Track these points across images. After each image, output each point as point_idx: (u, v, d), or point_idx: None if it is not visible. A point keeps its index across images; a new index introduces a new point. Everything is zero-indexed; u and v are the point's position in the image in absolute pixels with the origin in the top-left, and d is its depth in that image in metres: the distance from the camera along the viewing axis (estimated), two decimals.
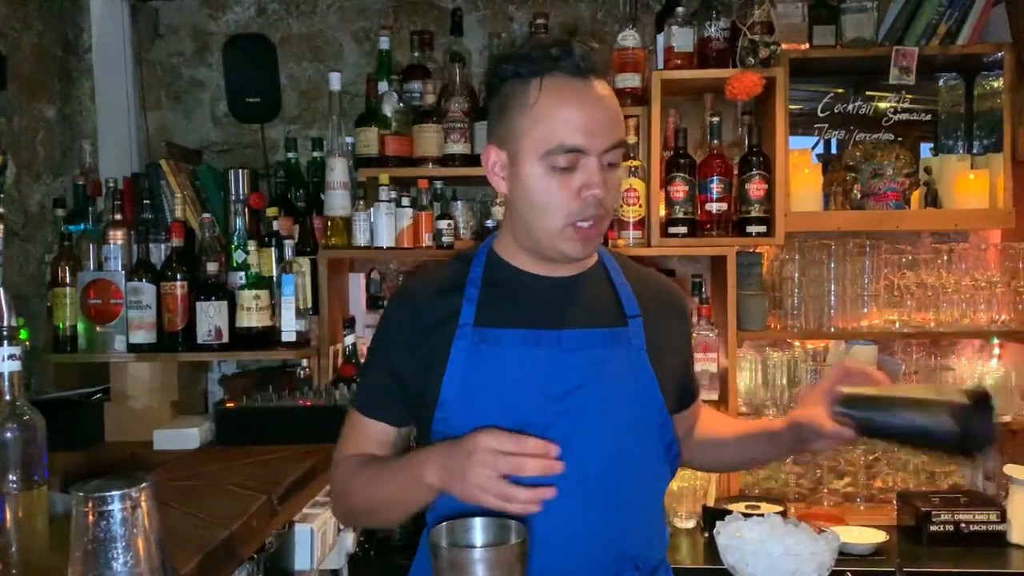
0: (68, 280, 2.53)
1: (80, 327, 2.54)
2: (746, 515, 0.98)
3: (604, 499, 1.25)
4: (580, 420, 1.25)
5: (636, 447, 1.29)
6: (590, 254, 1.32)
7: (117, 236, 2.57)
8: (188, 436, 2.36)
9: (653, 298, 1.38)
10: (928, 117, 2.84)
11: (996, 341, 2.79)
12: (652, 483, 1.33)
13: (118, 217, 2.59)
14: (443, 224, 2.63)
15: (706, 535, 2.52)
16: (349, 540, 2.16)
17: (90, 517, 0.89)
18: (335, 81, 2.63)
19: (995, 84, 2.68)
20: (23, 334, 1.64)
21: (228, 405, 2.29)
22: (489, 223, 2.66)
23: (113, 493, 0.90)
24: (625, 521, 1.26)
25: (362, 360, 2.67)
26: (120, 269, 2.54)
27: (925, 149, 2.85)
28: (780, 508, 2.58)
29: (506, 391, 1.26)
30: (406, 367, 1.31)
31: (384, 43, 2.75)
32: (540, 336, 1.28)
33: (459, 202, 2.76)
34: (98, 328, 2.54)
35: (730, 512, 1.13)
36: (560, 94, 1.23)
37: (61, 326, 2.53)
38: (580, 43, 1.25)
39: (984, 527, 2.44)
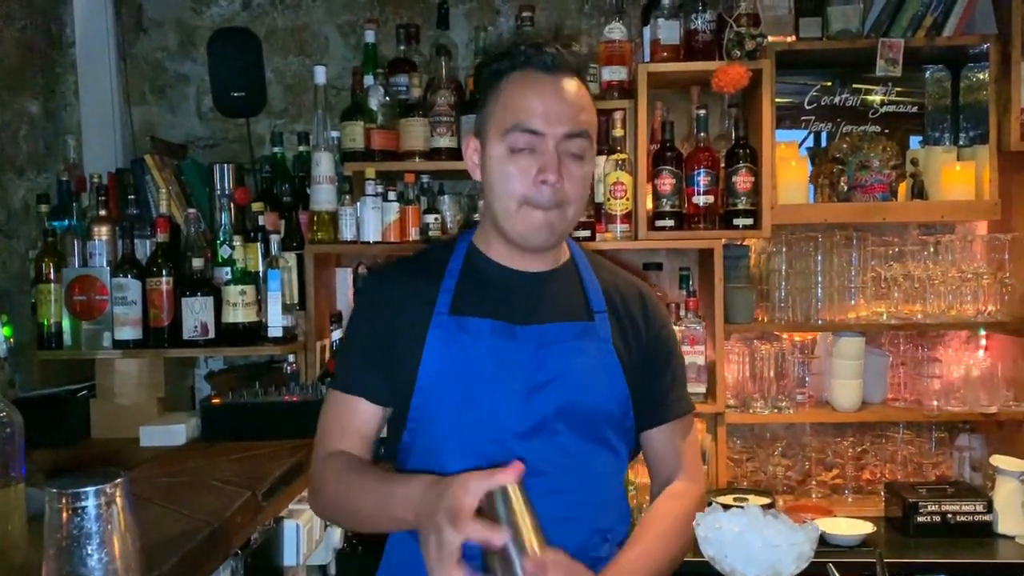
0: (52, 276, 2.50)
1: (65, 324, 2.52)
2: (726, 506, 0.98)
3: (576, 481, 1.32)
4: (553, 410, 1.31)
5: (603, 433, 1.35)
6: (551, 242, 1.36)
7: (102, 232, 2.54)
8: (174, 432, 2.35)
9: (622, 297, 1.42)
10: (915, 109, 2.84)
11: (983, 332, 2.80)
12: (615, 464, 1.40)
13: (103, 213, 2.57)
14: (430, 218, 2.62)
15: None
16: (336, 536, 2.16)
17: (64, 513, 0.89)
18: (320, 75, 2.62)
19: (981, 76, 2.68)
20: (7, 331, 1.63)
21: (214, 401, 2.28)
22: (477, 217, 2.65)
23: (87, 489, 0.89)
24: (595, 499, 1.34)
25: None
26: (105, 265, 2.52)
27: (913, 141, 2.85)
28: (768, 500, 2.59)
29: (483, 381, 1.30)
30: (384, 344, 1.34)
31: (370, 37, 2.73)
32: (515, 330, 1.33)
33: (446, 196, 2.75)
34: (83, 324, 2.51)
35: (719, 504, 1.17)
36: (525, 83, 1.32)
37: (46, 323, 2.51)
38: (555, 45, 1.34)
39: (971, 518, 2.45)
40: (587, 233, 2.57)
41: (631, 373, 1.37)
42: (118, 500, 0.91)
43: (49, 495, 0.89)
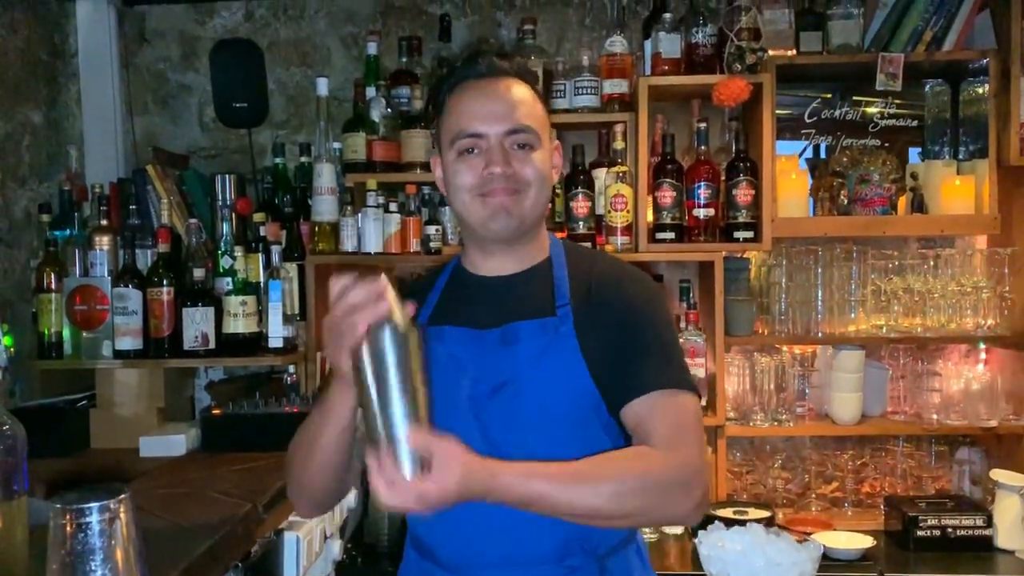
0: (53, 286, 2.50)
1: (66, 333, 2.52)
2: (728, 521, 0.98)
3: None
4: (516, 411, 1.30)
5: (575, 432, 1.31)
6: (512, 227, 1.37)
7: (103, 242, 2.53)
8: (174, 443, 2.34)
9: (596, 286, 1.39)
10: (914, 123, 2.85)
11: (983, 346, 2.80)
12: None
13: (104, 223, 2.57)
14: (431, 229, 2.63)
15: (694, 540, 2.52)
16: (336, 547, 2.15)
17: (68, 529, 0.89)
18: (323, 86, 2.63)
19: (980, 90, 2.69)
20: (7, 341, 1.63)
21: (214, 412, 2.28)
22: None
23: (91, 505, 0.89)
24: None
25: None
26: (106, 275, 2.51)
27: (912, 154, 2.86)
28: (768, 513, 2.58)
29: (447, 387, 1.30)
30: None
31: (372, 48, 2.74)
32: (478, 335, 1.36)
33: (447, 207, 2.75)
34: (84, 334, 2.51)
35: (717, 518, 1.16)
36: (463, 93, 1.38)
37: (46, 332, 2.51)
38: (488, 53, 1.40)
39: (971, 532, 2.45)
40: (587, 245, 2.57)
41: (599, 364, 1.32)
42: (122, 516, 0.91)
43: (53, 511, 0.90)
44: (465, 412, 1.32)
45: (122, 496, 0.91)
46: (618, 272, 1.42)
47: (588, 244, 2.58)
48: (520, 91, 1.38)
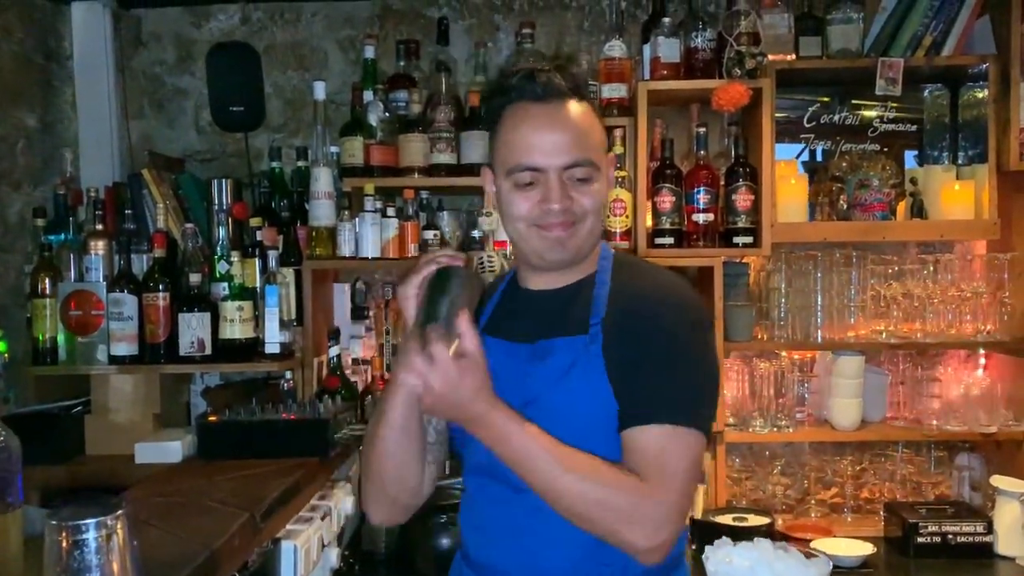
0: (48, 291, 2.48)
1: (60, 339, 2.50)
2: (734, 531, 0.96)
3: None
4: (544, 423, 1.29)
5: (598, 451, 1.28)
6: (568, 258, 1.39)
7: (98, 246, 2.53)
8: (170, 449, 2.32)
9: (630, 305, 1.36)
10: (914, 128, 2.84)
11: (982, 352, 2.80)
12: None
13: (99, 227, 2.55)
14: (429, 234, 2.61)
15: (693, 547, 2.51)
16: (333, 556, 2.13)
17: (64, 546, 0.87)
18: (319, 90, 2.61)
19: (980, 95, 2.69)
20: (2, 346, 1.61)
21: (210, 419, 2.25)
22: (475, 233, 2.64)
23: (88, 521, 0.87)
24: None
25: (347, 371, 2.68)
26: (101, 280, 2.50)
27: (908, 157, 2.85)
28: (767, 519, 2.57)
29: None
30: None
31: (369, 52, 2.72)
32: (514, 348, 1.39)
33: (445, 212, 2.74)
34: (79, 340, 2.49)
35: (716, 525, 1.14)
36: (519, 119, 1.36)
37: (41, 338, 2.49)
38: (545, 69, 1.37)
39: (971, 538, 2.44)
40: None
41: (620, 383, 1.32)
42: (119, 531, 0.90)
43: (48, 527, 0.88)
44: None
45: (119, 512, 0.89)
46: (659, 292, 1.37)
47: None
48: (579, 117, 1.36)
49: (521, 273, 1.48)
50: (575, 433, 1.28)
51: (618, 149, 2.59)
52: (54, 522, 0.88)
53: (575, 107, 1.36)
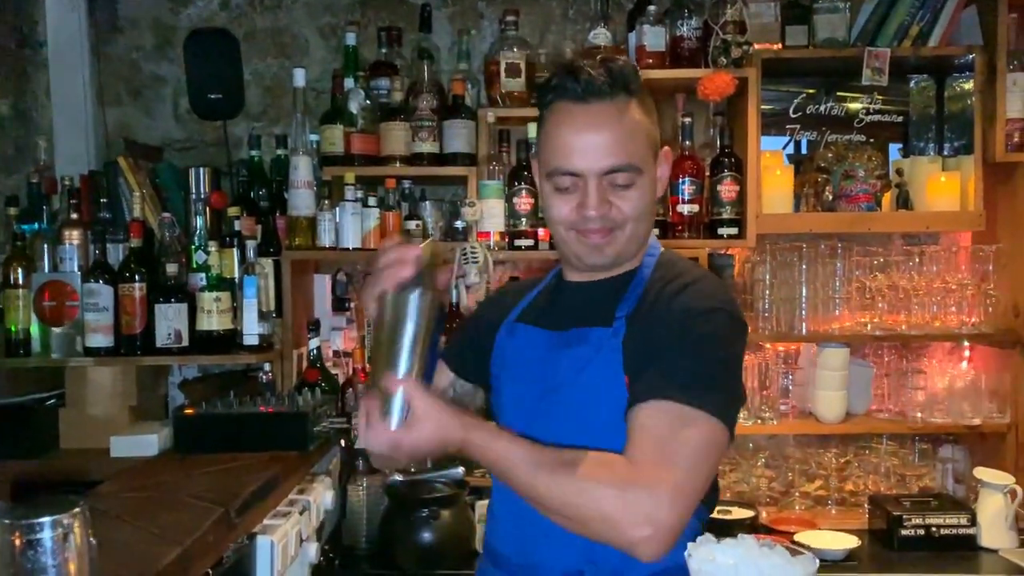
0: (21, 282, 2.44)
1: (34, 330, 2.46)
2: (718, 524, 0.93)
3: None
4: (557, 417, 1.30)
5: (612, 443, 1.23)
6: (609, 262, 1.37)
7: (73, 236, 2.48)
8: (146, 443, 2.28)
9: (659, 297, 1.32)
10: (899, 119, 2.83)
11: (966, 344, 2.79)
12: None
13: (74, 216, 2.50)
14: (411, 225, 2.57)
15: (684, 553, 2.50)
16: (312, 551, 2.10)
17: (17, 545, 0.83)
18: (299, 77, 2.56)
19: (966, 86, 2.67)
20: None
21: (187, 411, 2.22)
22: (458, 224, 2.60)
23: (42, 520, 0.84)
24: None
25: (328, 364, 2.64)
26: (76, 270, 2.46)
27: (892, 150, 2.84)
28: (751, 512, 2.56)
29: (516, 380, 1.40)
30: (478, 332, 1.54)
31: (351, 39, 2.68)
32: (545, 336, 1.39)
33: (428, 202, 2.71)
34: (53, 331, 2.45)
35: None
36: (559, 119, 1.32)
37: (13, 329, 2.45)
38: (587, 65, 1.31)
39: (955, 531, 2.43)
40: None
41: (633, 373, 1.28)
42: (76, 530, 0.86)
43: (1, 526, 0.84)
44: (513, 411, 1.40)
45: (76, 510, 0.85)
46: (685, 285, 1.31)
47: None
48: (623, 117, 1.30)
49: (564, 267, 1.48)
50: (591, 426, 1.27)
51: None
52: (6, 521, 0.84)
53: (619, 106, 1.30)
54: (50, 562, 0.84)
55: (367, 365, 2.64)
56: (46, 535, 0.84)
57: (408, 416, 1.16)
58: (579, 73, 1.30)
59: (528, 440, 1.21)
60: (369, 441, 1.18)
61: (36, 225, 2.57)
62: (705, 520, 1.33)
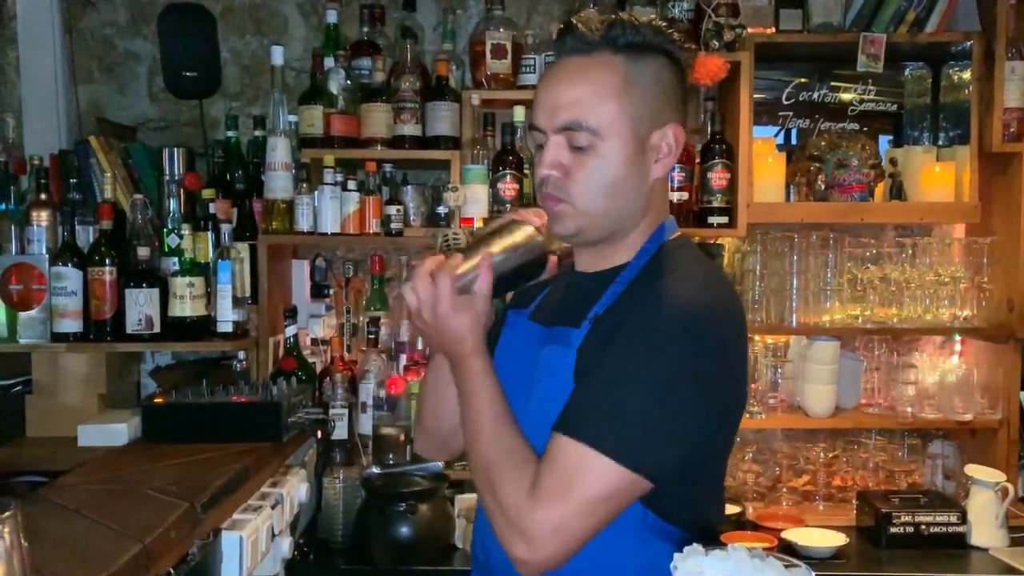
0: None
1: (0, 314, 2.37)
2: (707, 546, 0.86)
3: None
4: (530, 410, 1.23)
5: None
6: (569, 232, 1.25)
7: (41, 217, 2.41)
8: (115, 432, 2.20)
9: (630, 302, 1.21)
10: (894, 107, 2.77)
11: (958, 338, 2.74)
12: None
13: (43, 197, 2.43)
14: (392, 210, 2.49)
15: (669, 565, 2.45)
16: (285, 545, 2.03)
17: None
18: (277, 55, 2.47)
19: (963, 75, 2.62)
20: None
21: (156, 400, 2.14)
22: (441, 209, 2.52)
23: None
24: None
25: (305, 352, 2.57)
26: (44, 253, 2.39)
27: (882, 141, 2.78)
28: (738, 508, 2.52)
29: (501, 368, 1.29)
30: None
31: (331, 17, 2.59)
32: (536, 329, 1.32)
33: (410, 187, 2.63)
34: (20, 315, 2.37)
35: None
36: (543, 75, 1.29)
37: None
38: (584, 19, 1.22)
39: (944, 529, 2.38)
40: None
41: (575, 387, 1.21)
42: (6, 536, 0.78)
43: None
44: (512, 396, 1.30)
45: (5, 515, 0.78)
46: (663, 289, 1.19)
47: None
48: (592, 72, 1.19)
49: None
50: (543, 432, 1.17)
51: None
52: None
53: (595, 62, 1.19)
54: None
55: (346, 354, 2.57)
56: None
57: (464, 293, 1.19)
58: (566, 28, 1.23)
59: (504, 404, 1.20)
60: (418, 283, 1.20)
61: (2, 206, 2.49)
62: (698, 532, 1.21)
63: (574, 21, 1.22)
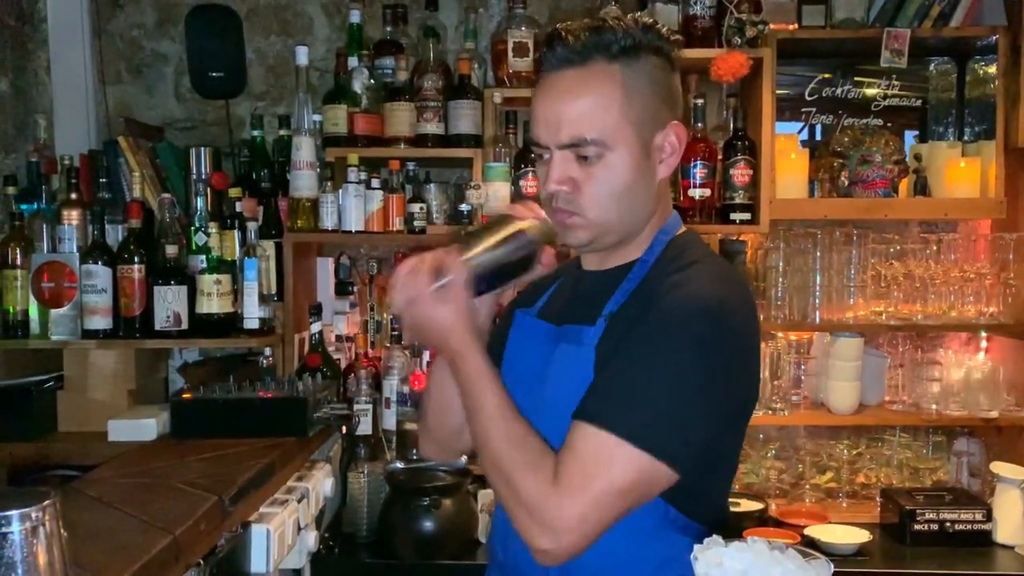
0: (19, 262, 2.41)
1: (32, 311, 2.43)
2: (734, 520, 0.87)
3: None
4: (545, 411, 1.23)
5: None
6: (583, 242, 1.26)
7: (72, 216, 2.45)
8: (145, 427, 2.26)
9: (644, 297, 1.22)
10: (918, 103, 2.75)
11: (984, 335, 2.72)
12: None
13: (73, 196, 2.47)
14: (415, 208, 2.51)
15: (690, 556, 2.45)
16: (311, 539, 2.06)
17: None
18: (302, 55, 2.50)
19: (988, 69, 2.60)
20: None
21: (184, 396, 2.18)
22: (464, 207, 2.54)
23: (10, 513, 0.79)
24: None
25: (330, 348, 2.60)
26: (75, 251, 2.43)
27: (907, 137, 2.77)
28: (761, 505, 2.52)
29: (512, 370, 1.33)
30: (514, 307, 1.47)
31: (355, 17, 2.61)
32: (545, 328, 1.33)
33: (432, 185, 2.65)
34: (51, 312, 2.42)
35: None
36: (536, 90, 1.26)
37: (12, 310, 2.42)
38: (568, 30, 1.21)
39: (969, 526, 2.37)
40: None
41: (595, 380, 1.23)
42: (47, 524, 0.81)
43: None
44: (521, 399, 1.30)
45: (46, 503, 0.81)
46: (676, 283, 1.19)
47: None
48: (591, 84, 1.19)
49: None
50: (557, 429, 1.18)
51: None
52: None
53: (591, 72, 1.20)
54: (18, 556, 0.79)
55: (370, 350, 2.60)
56: (14, 529, 0.79)
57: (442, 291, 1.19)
58: (554, 41, 1.22)
59: (506, 396, 1.19)
60: (398, 283, 1.21)
61: (35, 205, 2.54)
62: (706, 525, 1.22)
63: (560, 31, 1.21)
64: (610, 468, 1.10)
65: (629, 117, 1.20)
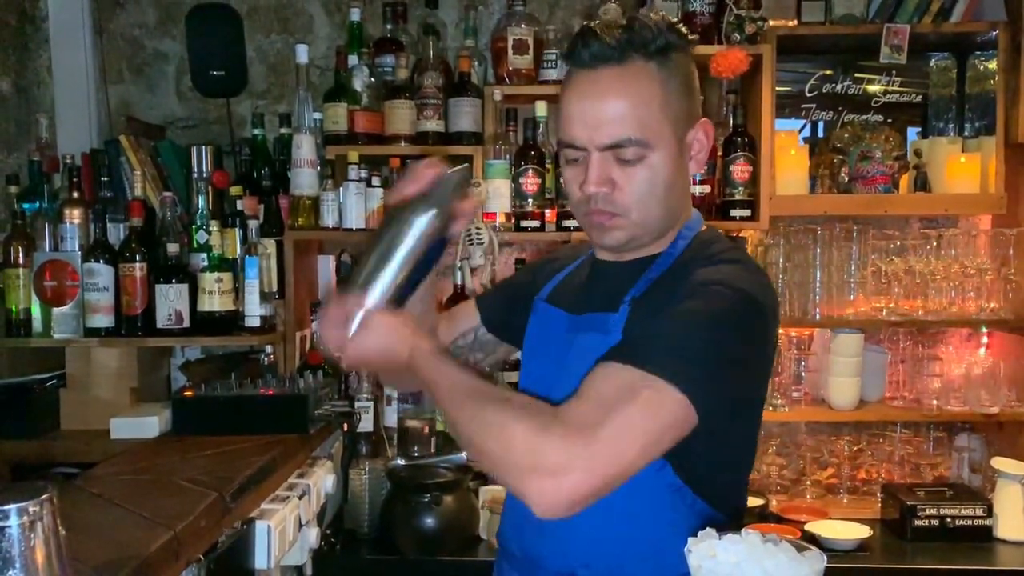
0: (21, 261, 2.42)
1: (34, 310, 2.43)
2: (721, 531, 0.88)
3: None
4: (557, 394, 1.22)
5: None
6: (624, 244, 1.26)
7: (74, 215, 2.45)
8: (147, 424, 2.26)
9: (673, 281, 1.22)
10: (918, 99, 2.75)
11: (985, 330, 2.72)
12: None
13: (75, 195, 2.47)
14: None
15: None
16: (312, 535, 2.06)
17: None
18: (302, 54, 2.50)
19: (989, 65, 2.59)
20: None
21: (185, 393, 2.18)
22: None
23: (7, 507, 0.79)
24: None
25: None
26: (76, 249, 2.43)
27: (910, 132, 2.77)
28: (761, 501, 2.52)
29: (534, 359, 1.37)
30: (517, 294, 1.49)
31: (355, 15, 2.62)
32: (565, 317, 1.33)
33: None
34: (53, 311, 2.43)
35: None
36: (569, 88, 1.24)
37: (14, 309, 2.42)
38: (602, 28, 1.20)
39: (970, 522, 2.37)
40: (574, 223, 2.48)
41: None
42: (45, 518, 0.82)
43: None
44: (529, 390, 1.32)
45: (43, 497, 0.81)
46: (705, 269, 1.20)
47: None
48: (631, 83, 1.18)
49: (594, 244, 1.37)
50: None
51: None
52: None
53: (630, 72, 1.18)
54: (16, 551, 0.80)
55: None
56: (12, 523, 0.80)
57: (360, 324, 1.20)
58: (588, 37, 1.19)
59: (472, 372, 1.19)
60: (321, 334, 1.24)
61: (37, 204, 2.54)
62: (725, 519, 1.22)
63: (595, 29, 1.19)
64: (631, 402, 1.03)
65: (668, 116, 1.20)
